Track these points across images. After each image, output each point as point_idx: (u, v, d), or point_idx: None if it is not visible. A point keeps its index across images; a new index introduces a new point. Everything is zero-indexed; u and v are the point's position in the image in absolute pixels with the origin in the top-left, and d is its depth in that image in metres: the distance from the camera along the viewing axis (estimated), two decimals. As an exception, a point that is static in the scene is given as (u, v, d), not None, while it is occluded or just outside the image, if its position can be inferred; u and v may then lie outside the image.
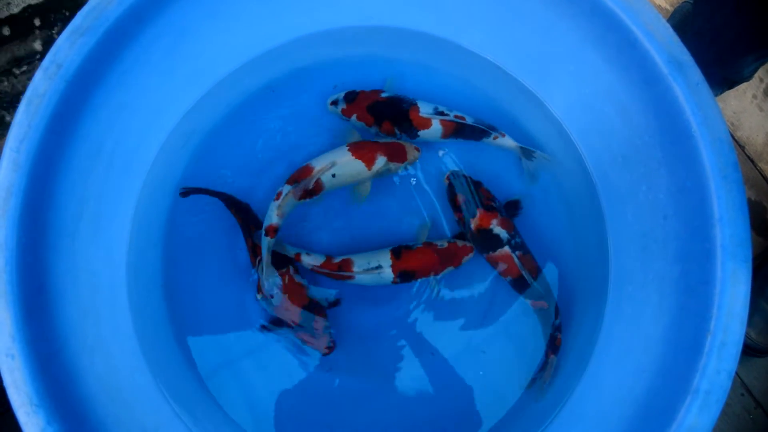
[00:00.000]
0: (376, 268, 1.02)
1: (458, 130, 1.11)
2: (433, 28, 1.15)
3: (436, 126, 1.10)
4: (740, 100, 1.57)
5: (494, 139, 1.11)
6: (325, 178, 1.05)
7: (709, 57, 1.23)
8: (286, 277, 1.04)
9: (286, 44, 1.14)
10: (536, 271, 1.05)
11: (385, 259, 1.03)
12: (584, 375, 0.99)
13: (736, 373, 1.38)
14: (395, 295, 1.10)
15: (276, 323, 1.05)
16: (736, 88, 1.44)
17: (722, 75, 1.32)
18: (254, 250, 1.05)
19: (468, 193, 1.08)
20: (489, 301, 1.10)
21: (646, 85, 0.90)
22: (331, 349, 1.03)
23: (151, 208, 1.07)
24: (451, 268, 1.05)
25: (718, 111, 0.84)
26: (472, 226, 1.06)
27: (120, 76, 0.92)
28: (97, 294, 0.95)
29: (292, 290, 1.04)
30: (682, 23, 1.31)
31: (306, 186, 1.04)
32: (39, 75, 0.82)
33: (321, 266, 1.04)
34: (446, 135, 1.11)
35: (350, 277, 1.03)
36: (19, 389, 0.76)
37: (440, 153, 1.16)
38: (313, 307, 1.04)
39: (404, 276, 1.03)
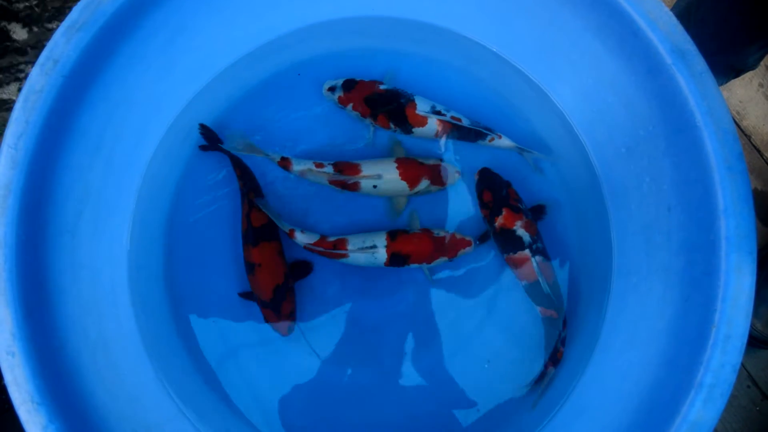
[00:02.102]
0: (370, 247, 1.03)
1: (454, 131, 1.10)
2: (434, 17, 1.14)
3: (432, 125, 1.09)
4: (746, 89, 1.55)
5: (490, 141, 1.10)
6: (365, 184, 1.06)
7: (714, 45, 1.21)
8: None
9: (285, 36, 1.14)
10: (552, 279, 1.04)
11: (381, 240, 1.04)
12: (588, 367, 0.98)
13: (742, 365, 1.37)
14: (398, 288, 1.09)
15: (249, 296, 1.07)
16: (742, 76, 1.43)
17: (727, 64, 1.31)
18: (249, 217, 1.06)
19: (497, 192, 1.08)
20: (494, 297, 1.10)
21: (650, 75, 0.89)
22: (290, 331, 1.05)
23: (152, 202, 1.07)
24: (444, 259, 1.05)
25: (722, 101, 0.82)
26: (496, 224, 1.05)
27: (117, 70, 0.92)
28: (99, 290, 0.95)
29: (271, 265, 1.04)
30: (686, 12, 1.29)
31: (344, 181, 1.06)
32: (36, 71, 0.81)
33: (315, 244, 1.05)
34: (441, 134, 1.11)
35: (344, 255, 1.03)
36: (20, 387, 0.76)
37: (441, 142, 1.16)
38: (285, 288, 1.04)
39: (397, 259, 1.03)
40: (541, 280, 1.02)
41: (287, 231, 1.06)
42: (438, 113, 1.09)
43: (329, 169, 1.07)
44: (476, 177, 1.10)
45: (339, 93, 1.11)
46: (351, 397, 1.06)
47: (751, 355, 1.38)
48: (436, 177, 1.08)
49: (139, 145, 1.03)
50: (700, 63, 0.84)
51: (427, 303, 1.09)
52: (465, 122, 1.09)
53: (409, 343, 1.08)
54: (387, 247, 1.03)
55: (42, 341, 0.80)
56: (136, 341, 0.98)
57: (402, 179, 1.06)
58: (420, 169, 1.07)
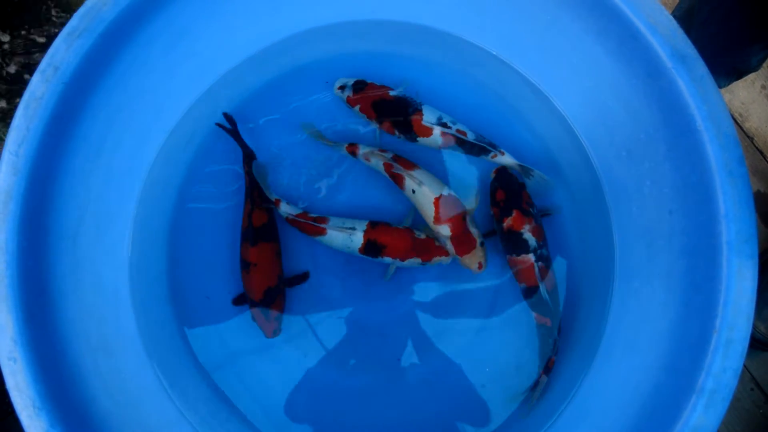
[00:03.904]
0: (349, 228, 1.04)
1: (458, 144, 1.10)
2: (435, 21, 1.14)
3: (436, 136, 1.09)
4: (749, 91, 1.55)
5: (493, 157, 1.10)
6: (408, 184, 1.05)
7: (716, 47, 1.21)
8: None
9: (287, 40, 1.14)
10: (551, 288, 1.04)
11: (361, 225, 1.04)
12: (589, 372, 0.98)
13: (746, 368, 1.37)
14: (399, 292, 1.10)
15: (242, 300, 1.07)
16: (745, 78, 1.42)
17: (730, 65, 1.30)
18: (251, 215, 1.06)
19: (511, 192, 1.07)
20: (495, 302, 1.10)
21: (650, 78, 0.89)
22: (275, 334, 1.04)
23: (154, 207, 1.07)
24: (418, 261, 1.05)
25: (723, 104, 0.82)
26: (504, 224, 1.05)
27: (118, 77, 0.92)
28: (100, 295, 0.95)
29: (266, 266, 1.05)
30: (687, 14, 1.28)
31: (395, 170, 1.05)
32: (36, 78, 0.82)
33: (297, 215, 1.06)
34: (445, 146, 1.11)
35: (322, 232, 1.04)
36: (21, 392, 0.76)
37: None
38: (277, 291, 1.05)
39: (372, 247, 1.04)
40: (540, 287, 1.02)
41: (273, 199, 1.08)
42: (444, 125, 1.09)
43: (389, 155, 1.07)
44: (493, 174, 1.10)
45: (348, 93, 1.12)
46: (353, 400, 1.06)
47: (755, 358, 1.38)
48: (458, 241, 1.03)
49: (140, 150, 1.03)
50: (700, 67, 0.84)
51: (428, 306, 1.09)
52: (470, 136, 1.09)
53: (411, 347, 1.08)
54: (365, 232, 1.03)
55: (43, 346, 0.80)
56: (138, 345, 0.98)
57: (434, 204, 1.03)
58: (452, 217, 1.03)
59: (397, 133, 1.10)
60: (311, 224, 1.05)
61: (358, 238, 1.03)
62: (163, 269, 1.08)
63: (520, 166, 1.09)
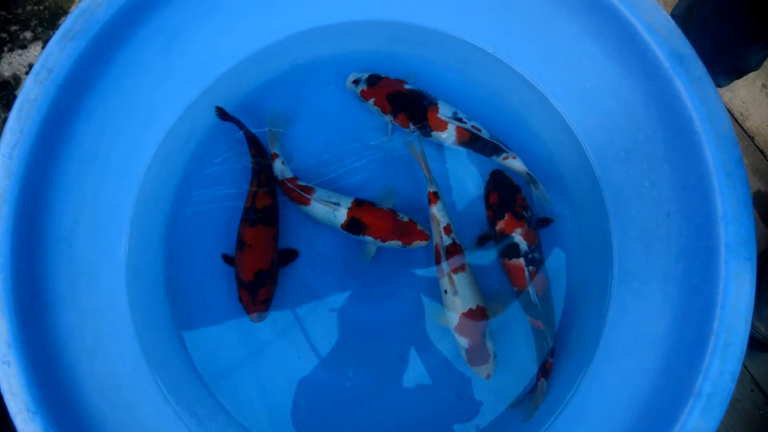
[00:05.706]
0: (334, 203, 1.04)
1: (471, 141, 1.09)
2: (432, 21, 1.14)
3: (451, 131, 1.08)
4: (749, 90, 1.54)
5: (504, 159, 1.09)
6: (444, 283, 1.03)
7: (716, 46, 1.20)
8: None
9: (285, 40, 1.14)
10: (544, 291, 1.03)
11: (346, 202, 1.05)
12: (587, 373, 0.97)
13: (746, 369, 1.36)
14: (398, 293, 1.09)
15: (231, 261, 1.07)
16: (745, 77, 1.41)
17: (730, 64, 1.29)
18: (255, 196, 1.06)
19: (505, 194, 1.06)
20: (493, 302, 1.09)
21: (648, 79, 0.88)
22: (260, 319, 1.05)
23: (151, 209, 1.07)
24: (399, 244, 1.04)
25: (721, 105, 0.81)
26: (497, 227, 1.05)
27: (113, 78, 0.92)
28: (96, 297, 0.95)
29: (261, 249, 1.04)
30: (687, 13, 1.28)
31: (442, 258, 1.04)
32: (30, 80, 0.81)
33: (287, 179, 1.07)
34: (458, 142, 1.10)
35: (306, 202, 1.05)
36: (15, 396, 0.76)
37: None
38: (268, 275, 1.04)
39: (355, 224, 1.04)
40: (531, 291, 1.01)
41: (271, 153, 1.09)
42: (459, 120, 1.08)
43: (448, 241, 1.04)
44: (488, 177, 1.10)
45: (362, 86, 1.11)
46: (351, 402, 1.06)
47: (755, 359, 1.37)
48: (467, 350, 1.02)
49: (136, 151, 1.03)
50: (698, 67, 0.83)
51: (427, 308, 1.09)
52: (484, 134, 1.09)
53: (409, 348, 1.07)
54: (350, 209, 1.04)
55: (38, 350, 0.80)
56: (135, 347, 0.98)
57: (460, 316, 1.01)
58: (476, 332, 1.01)
59: (411, 126, 1.10)
60: (297, 192, 1.06)
61: (341, 214, 1.04)
62: (160, 271, 1.07)
63: (528, 174, 1.09)
